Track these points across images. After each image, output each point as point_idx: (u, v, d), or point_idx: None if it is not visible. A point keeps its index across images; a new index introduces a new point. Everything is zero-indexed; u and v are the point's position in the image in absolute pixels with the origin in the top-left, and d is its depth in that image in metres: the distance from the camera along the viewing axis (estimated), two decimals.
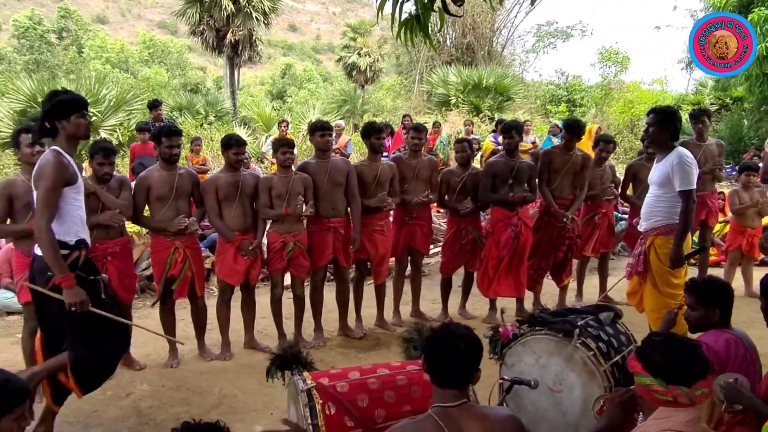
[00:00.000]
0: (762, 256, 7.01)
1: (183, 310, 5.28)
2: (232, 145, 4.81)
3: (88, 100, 12.99)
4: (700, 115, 6.09)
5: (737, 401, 2.44)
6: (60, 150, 3.14)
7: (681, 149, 3.96)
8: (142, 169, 6.54)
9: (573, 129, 5.65)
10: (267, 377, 2.92)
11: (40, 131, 3.26)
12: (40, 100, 12.84)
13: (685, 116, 9.72)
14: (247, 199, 4.90)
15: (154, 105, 9.38)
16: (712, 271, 6.58)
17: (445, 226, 7.02)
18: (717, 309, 2.82)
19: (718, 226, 7.89)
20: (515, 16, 25.96)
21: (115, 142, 12.97)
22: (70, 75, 21.87)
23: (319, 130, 5.11)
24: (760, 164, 8.20)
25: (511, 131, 5.43)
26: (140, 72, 40.53)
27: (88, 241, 3.37)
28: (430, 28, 2.51)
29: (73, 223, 3.24)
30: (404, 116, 12.52)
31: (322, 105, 21.84)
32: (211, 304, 5.14)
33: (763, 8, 12.69)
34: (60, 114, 3.17)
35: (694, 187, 3.89)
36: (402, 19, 2.51)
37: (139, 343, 5.12)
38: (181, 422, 1.96)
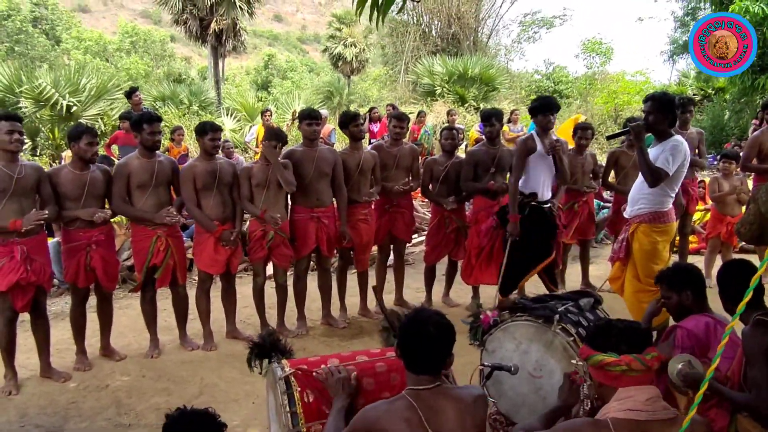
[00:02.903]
0: (742, 244, 7.07)
1: (165, 300, 5.24)
2: (207, 131, 4.74)
3: (68, 90, 12.59)
4: (686, 104, 6.10)
5: (695, 386, 2.46)
6: None
7: (681, 138, 3.93)
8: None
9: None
10: (249, 367, 2.89)
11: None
12: (17, 90, 12.62)
13: None
14: (225, 188, 4.83)
15: (130, 93, 9.18)
16: (692, 259, 6.65)
17: (429, 214, 7.01)
18: (688, 290, 2.87)
19: (698, 214, 7.97)
20: (500, 6, 25.99)
21: None
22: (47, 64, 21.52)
23: (307, 118, 5.05)
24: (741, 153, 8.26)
25: (491, 118, 5.39)
26: (120, 62, 39.96)
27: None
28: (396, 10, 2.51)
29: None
30: (388, 105, 12.45)
31: (308, 95, 21.70)
32: (193, 293, 5.09)
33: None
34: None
35: (670, 173, 3.84)
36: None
37: (118, 333, 5.08)
38: (175, 408, 1.95)
